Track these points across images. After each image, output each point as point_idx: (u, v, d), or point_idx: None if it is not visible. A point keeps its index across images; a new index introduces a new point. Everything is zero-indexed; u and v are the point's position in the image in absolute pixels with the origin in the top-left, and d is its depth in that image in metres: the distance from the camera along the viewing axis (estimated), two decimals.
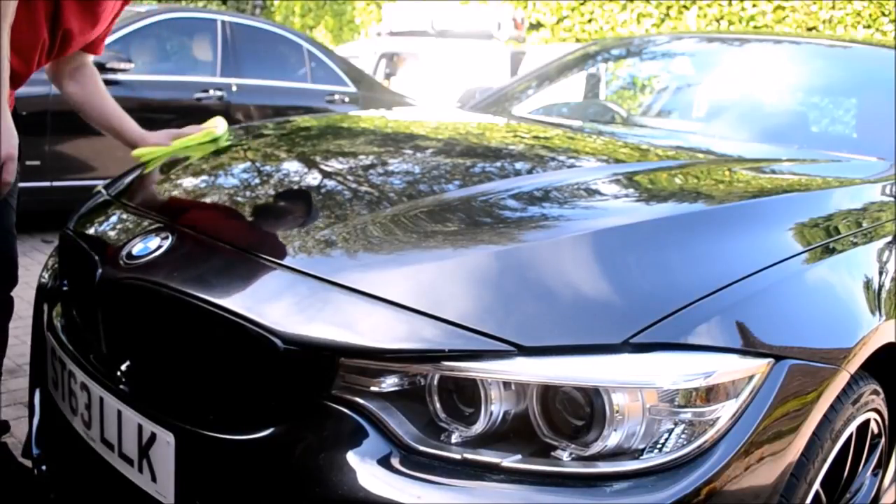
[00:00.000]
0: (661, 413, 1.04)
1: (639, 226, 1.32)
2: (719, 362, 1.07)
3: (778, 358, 1.13)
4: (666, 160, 1.92)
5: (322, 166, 1.73)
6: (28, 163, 4.49)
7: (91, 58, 2.04)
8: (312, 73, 6.13)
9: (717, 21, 10.77)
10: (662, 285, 1.16)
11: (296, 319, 1.11)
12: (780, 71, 2.66)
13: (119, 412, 1.26)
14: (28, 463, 1.72)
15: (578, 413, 1.06)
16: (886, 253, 1.53)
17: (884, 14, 9.81)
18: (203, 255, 1.31)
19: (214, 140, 1.97)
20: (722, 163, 1.94)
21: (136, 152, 1.99)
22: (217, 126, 2.02)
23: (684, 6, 10.99)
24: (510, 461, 1.02)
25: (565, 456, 1.03)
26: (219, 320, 1.15)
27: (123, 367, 1.29)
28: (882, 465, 1.57)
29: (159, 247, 1.33)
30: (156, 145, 1.96)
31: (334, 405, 1.08)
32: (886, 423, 1.52)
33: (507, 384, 1.05)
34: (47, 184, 4.49)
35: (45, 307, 1.64)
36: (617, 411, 1.03)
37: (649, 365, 1.04)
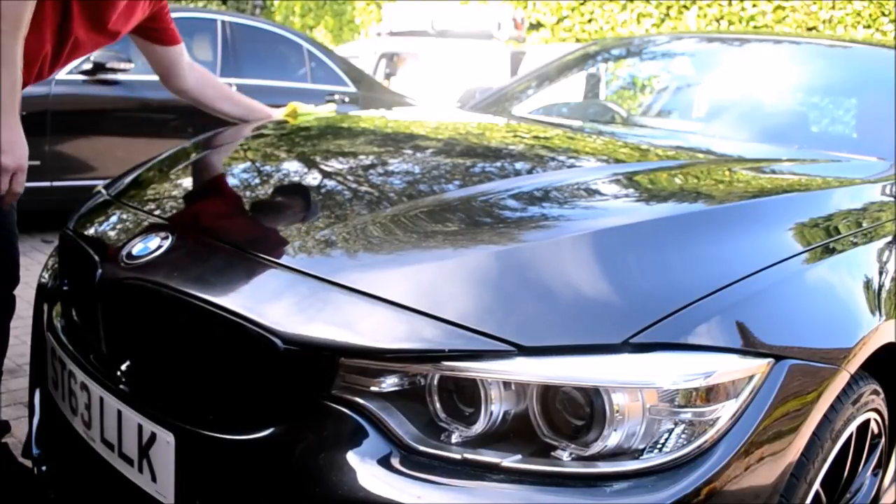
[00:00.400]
0: (661, 413, 1.04)
1: (639, 226, 1.32)
2: (719, 362, 1.07)
3: (778, 358, 1.13)
4: (666, 160, 1.92)
5: (322, 166, 1.73)
6: (28, 163, 4.49)
7: (179, 50, 2.10)
8: (312, 73, 6.13)
9: (717, 21, 10.77)
10: (662, 285, 1.16)
11: (296, 319, 1.11)
12: (780, 71, 2.66)
13: (119, 412, 1.26)
14: (28, 463, 1.72)
15: (578, 413, 1.06)
16: (886, 253, 1.53)
17: (884, 14, 9.81)
18: (203, 255, 1.31)
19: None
20: (722, 163, 1.94)
21: (289, 110, 2.32)
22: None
23: (684, 6, 10.99)
24: (510, 461, 1.02)
25: (565, 456, 1.03)
26: (219, 320, 1.15)
27: (123, 367, 1.30)
28: (882, 465, 1.57)
29: (159, 247, 1.33)
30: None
31: (334, 405, 1.07)
32: (886, 423, 1.52)
33: (507, 384, 1.05)
34: (47, 184, 4.49)
35: (45, 307, 1.64)
36: (617, 411, 1.03)
37: (649, 365, 1.04)
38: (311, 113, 2.34)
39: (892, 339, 1.39)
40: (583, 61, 3.19)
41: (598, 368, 1.03)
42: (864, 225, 1.59)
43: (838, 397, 1.27)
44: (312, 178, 1.64)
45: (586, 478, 1.02)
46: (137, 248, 1.35)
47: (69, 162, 4.64)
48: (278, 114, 2.34)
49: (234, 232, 1.36)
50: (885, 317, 1.38)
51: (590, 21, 11.73)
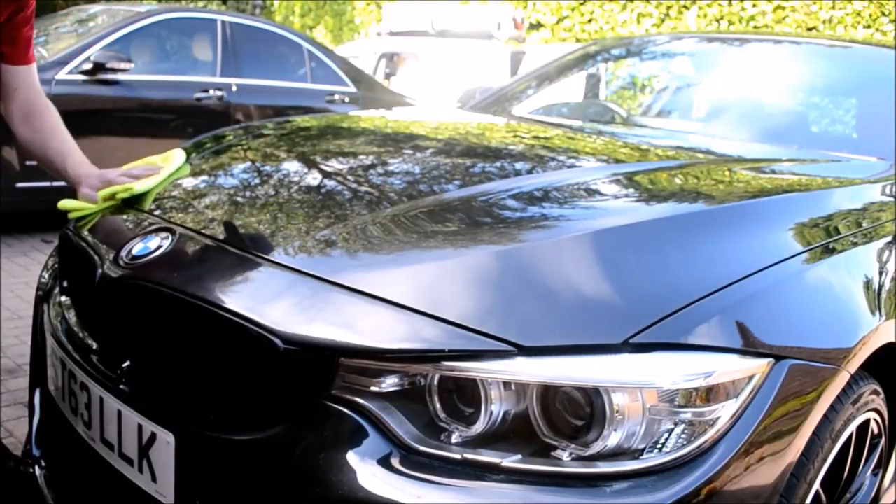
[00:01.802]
0: (661, 413, 1.04)
1: (639, 226, 1.32)
2: (719, 362, 1.07)
3: (778, 358, 1.13)
4: (666, 160, 1.92)
5: (322, 166, 1.73)
6: (28, 163, 4.49)
7: (29, 80, 1.70)
8: (312, 73, 6.13)
9: (717, 21, 10.77)
10: (662, 285, 1.16)
11: (296, 319, 1.11)
12: (780, 71, 2.66)
13: (119, 412, 1.26)
14: (28, 463, 1.72)
15: (578, 413, 1.06)
16: (886, 253, 1.53)
17: (884, 14, 9.82)
18: (203, 255, 1.31)
19: (136, 195, 1.58)
20: (722, 163, 1.94)
21: (63, 204, 1.65)
22: (163, 167, 1.67)
23: (684, 6, 10.99)
24: (510, 461, 1.02)
25: (565, 456, 1.03)
26: (219, 320, 1.15)
27: (123, 367, 1.30)
28: (882, 465, 1.57)
29: (159, 247, 1.33)
30: (86, 198, 1.62)
31: (334, 405, 1.07)
32: (886, 423, 1.52)
33: (507, 384, 1.05)
34: (47, 184, 4.50)
35: (45, 307, 1.64)
36: (617, 411, 1.03)
37: (649, 365, 1.04)
38: (146, 191, 1.60)
39: (892, 339, 1.39)
40: (583, 61, 3.19)
41: (598, 368, 1.03)
42: (864, 225, 1.59)
43: (838, 397, 1.27)
44: (312, 178, 1.64)
45: (586, 478, 1.02)
46: (137, 248, 1.35)
47: None
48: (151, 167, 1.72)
49: (234, 232, 1.36)
50: (885, 317, 1.38)
51: (590, 21, 11.74)
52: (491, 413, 1.05)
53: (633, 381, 1.03)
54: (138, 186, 1.58)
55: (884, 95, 2.29)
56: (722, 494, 1.04)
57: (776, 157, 2.04)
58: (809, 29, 10.21)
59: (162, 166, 1.68)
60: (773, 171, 1.89)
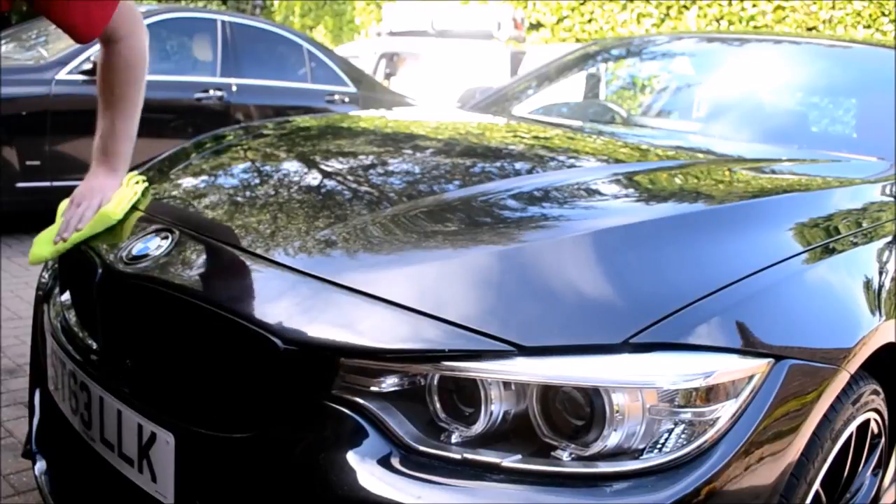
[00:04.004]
0: (661, 413, 1.04)
1: (639, 226, 1.32)
2: (719, 362, 1.07)
3: (778, 358, 1.13)
4: (666, 160, 1.92)
5: (322, 166, 1.73)
6: (28, 163, 4.50)
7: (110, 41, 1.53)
8: (312, 73, 6.14)
9: (717, 21, 10.77)
10: (662, 285, 1.16)
11: (295, 319, 1.11)
12: (780, 71, 2.66)
13: (119, 412, 1.26)
14: (28, 463, 1.72)
15: (578, 413, 1.05)
16: (886, 253, 1.53)
17: (884, 14, 9.82)
18: (203, 255, 1.31)
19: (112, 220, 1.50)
20: (722, 163, 1.94)
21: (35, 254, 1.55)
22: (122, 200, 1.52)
23: (684, 6, 10.99)
24: (510, 461, 1.02)
25: (565, 456, 1.03)
26: (218, 320, 1.15)
27: (123, 368, 1.30)
28: (882, 465, 1.57)
29: (159, 247, 1.33)
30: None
31: (334, 405, 1.07)
32: (886, 423, 1.52)
33: (507, 384, 1.05)
34: (47, 184, 4.50)
35: (45, 307, 1.64)
36: (617, 411, 1.03)
37: (649, 365, 1.04)
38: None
39: (892, 339, 1.39)
40: (583, 61, 3.19)
41: (597, 368, 1.03)
42: (864, 225, 1.59)
43: (838, 397, 1.26)
44: (312, 178, 1.64)
45: (586, 478, 1.02)
46: (137, 248, 1.35)
47: (69, 162, 4.65)
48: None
49: (234, 232, 1.36)
50: (885, 317, 1.38)
51: (590, 21, 11.74)
52: (491, 413, 1.05)
53: (633, 381, 1.03)
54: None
55: (884, 95, 2.29)
56: (722, 494, 1.04)
57: (776, 157, 2.04)
58: (809, 29, 10.21)
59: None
60: (773, 171, 1.89)
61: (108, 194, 1.54)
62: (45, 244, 1.51)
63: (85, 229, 1.49)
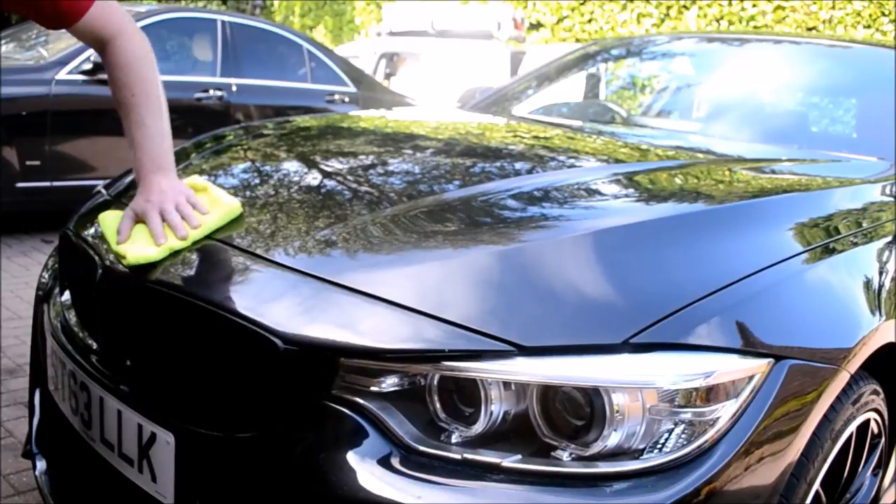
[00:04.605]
0: (661, 413, 1.04)
1: (639, 226, 1.32)
2: (719, 362, 1.07)
3: (778, 358, 1.13)
4: (666, 160, 1.92)
5: (322, 166, 1.73)
6: (28, 163, 4.49)
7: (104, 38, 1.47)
8: (312, 73, 6.14)
9: (717, 21, 10.77)
10: (662, 285, 1.16)
11: (295, 319, 1.11)
12: (780, 71, 2.66)
13: (119, 412, 1.26)
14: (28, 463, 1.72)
15: (578, 413, 1.05)
16: (886, 253, 1.53)
17: (884, 14, 9.82)
18: (203, 255, 1.31)
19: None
20: (722, 163, 1.94)
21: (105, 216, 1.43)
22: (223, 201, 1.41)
23: (684, 6, 10.99)
24: (510, 461, 1.02)
25: (565, 456, 1.03)
26: (218, 320, 1.15)
27: (123, 368, 1.30)
28: (882, 465, 1.57)
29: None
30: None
31: (334, 405, 1.07)
32: (886, 423, 1.52)
33: (507, 384, 1.05)
34: (47, 184, 4.49)
35: (45, 307, 1.64)
36: (617, 411, 1.03)
37: (649, 365, 1.04)
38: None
39: (892, 339, 1.39)
40: (583, 61, 3.19)
41: (597, 368, 1.03)
42: (864, 225, 1.59)
43: (838, 397, 1.27)
44: (312, 178, 1.64)
45: (586, 478, 1.02)
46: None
47: (69, 162, 4.65)
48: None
49: (234, 232, 1.36)
50: (885, 317, 1.38)
51: (590, 21, 11.74)
52: (491, 413, 1.05)
53: (633, 381, 1.03)
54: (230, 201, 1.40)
55: (884, 95, 2.29)
56: (722, 494, 1.04)
57: (776, 157, 2.04)
58: (809, 29, 10.21)
59: (207, 213, 1.39)
60: (773, 171, 1.89)
61: (186, 191, 1.41)
62: (145, 246, 1.32)
63: (211, 222, 1.36)
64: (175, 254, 1.30)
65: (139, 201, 1.38)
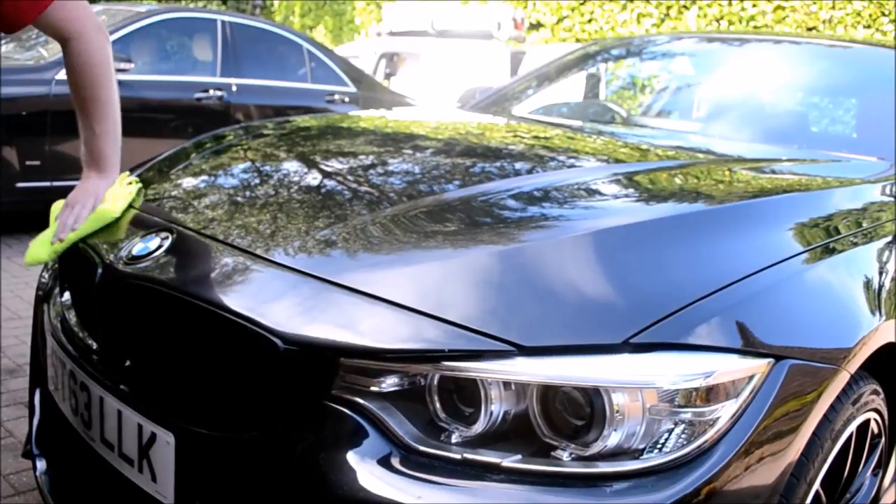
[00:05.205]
0: (661, 413, 1.04)
1: (639, 226, 1.32)
2: (719, 362, 1.07)
3: (778, 358, 1.13)
4: (666, 160, 1.92)
5: (322, 166, 1.73)
6: (28, 163, 4.49)
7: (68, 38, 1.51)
8: (312, 73, 6.13)
9: (717, 21, 10.77)
10: (662, 285, 1.16)
11: (295, 319, 1.11)
12: (780, 71, 2.66)
13: (119, 412, 1.26)
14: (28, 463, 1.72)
15: (578, 413, 1.06)
16: (886, 253, 1.53)
17: (884, 14, 9.82)
18: (203, 255, 1.31)
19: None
20: (722, 163, 1.94)
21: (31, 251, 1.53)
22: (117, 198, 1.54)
23: (684, 6, 10.99)
24: (510, 461, 1.02)
25: (565, 456, 1.03)
26: (218, 320, 1.15)
27: (123, 367, 1.30)
28: (882, 465, 1.57)
29: (159, 247, 1.33)
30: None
31: (334, 405, 1.07)
32: (886, 423, 1.52)
33: (507, 384, 1.05)
34: (47, 184, 4.49)
35: (45, 307, 1.64)
36: (617, 411, 1.03)
37: (649, 365, 1.04)
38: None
39: (892, 339, 1.39)
40: (583, 61, 3.19)
41: (597, 368, 1.03)
42: (864, 225, 1.59)
43: (838, 397, 1.27)
44: (312, 178, 1.64)
45: (586, 478, 1.02)
46: (137, 248, 1.35)
47: (69, 162, 4.64)
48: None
49: (234, 232, 1.36)
50: (885, 317, 1.38)
51: (590, 21, 11.74)
52: (491, 413, 1.05)
53: (633, 381, 1.03)
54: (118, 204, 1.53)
55: (884, 95, 2.29)
56: (722, 494, 1.04)
57: (776, 157, 2.04)
58: (809, 29, 10.21)
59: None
60: (773, 171, 1.89)
61: (101, 195, 1.55)
62: (42, 246, 1.52)
63: (82, 227, 1.50)
64: (175, 253, 1.31)
65: (70, 195, 1.57)
